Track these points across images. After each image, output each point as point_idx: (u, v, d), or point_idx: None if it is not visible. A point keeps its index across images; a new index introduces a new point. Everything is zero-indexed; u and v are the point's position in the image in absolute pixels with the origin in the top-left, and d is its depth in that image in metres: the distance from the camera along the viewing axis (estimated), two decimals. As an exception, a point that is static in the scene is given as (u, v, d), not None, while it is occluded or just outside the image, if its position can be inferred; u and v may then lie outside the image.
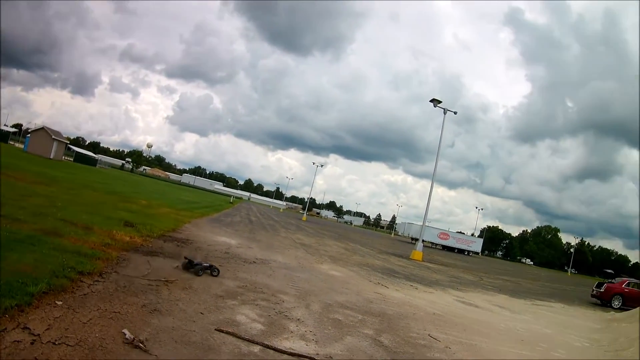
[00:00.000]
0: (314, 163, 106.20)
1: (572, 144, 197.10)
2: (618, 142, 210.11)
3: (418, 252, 29.41)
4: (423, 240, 32.43)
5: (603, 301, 22.70)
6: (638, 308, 16.43)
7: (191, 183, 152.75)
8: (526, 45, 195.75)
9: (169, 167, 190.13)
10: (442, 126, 32.46)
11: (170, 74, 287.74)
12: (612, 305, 22.02)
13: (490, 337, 8.38)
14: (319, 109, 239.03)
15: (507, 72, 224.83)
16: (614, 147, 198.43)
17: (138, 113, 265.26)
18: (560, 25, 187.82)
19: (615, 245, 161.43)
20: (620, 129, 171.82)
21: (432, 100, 31.87)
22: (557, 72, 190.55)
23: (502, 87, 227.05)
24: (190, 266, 8.17)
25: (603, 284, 23.64)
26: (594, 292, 23.72)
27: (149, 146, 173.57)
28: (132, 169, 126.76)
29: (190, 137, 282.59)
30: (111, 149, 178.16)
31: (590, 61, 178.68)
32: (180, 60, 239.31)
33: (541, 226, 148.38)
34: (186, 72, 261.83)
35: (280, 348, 5.06)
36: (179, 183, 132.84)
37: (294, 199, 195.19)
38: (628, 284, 23.52)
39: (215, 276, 8.24)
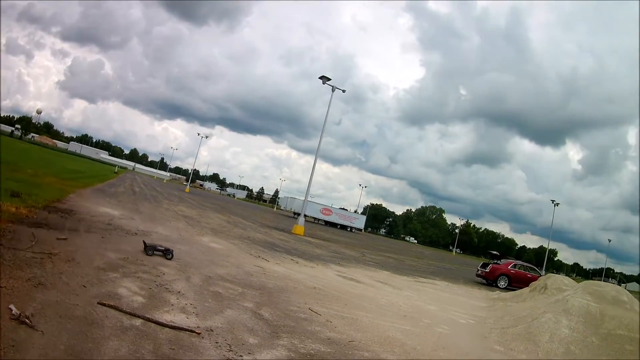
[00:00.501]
0: (199, 134, 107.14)
1: (462, 130, 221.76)
2: (509, 132, 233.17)
3: (300, 226, 32.28)
4: (306, 215, 35.08)
5: (489, 281, 25.98)
6: (525, 288, 18.58)
7: (78, 152, 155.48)
8: (425, 32, 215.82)
9: (57, 135, 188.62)
10: (330, 103, 36.01)
11: (65, 37, 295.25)
12: (498, 285, 25.10)
13: (372, 312, 9.26)
14: (209, 80, 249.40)
15: (402, 56, 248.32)
16: (504, 136, 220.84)
17: (30, 77, 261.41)
18: (463, 16, 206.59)
19: (502, 229, 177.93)
20: (512, 120, 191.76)
21: (322, 77, 35.31)
22: (453, 61, 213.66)
23: (395, 70, 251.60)
24: (148, 249, 9.52)
25: (488, 264, 26.96)
26: (479, 272, 27.02)
27: (39, 112, 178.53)
28: (20, 136, 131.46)
29: (79, 104, 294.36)
30: (1, 115, 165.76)
31: (489, 53, 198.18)
32: (76, 22, 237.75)
33: (426, 206, 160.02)
34: (81, 35, 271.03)
35: (161, 321, 5.52)
36: (66, 151, 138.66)
37: (178, 170, 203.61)
38: (514, 266, 26.93)
39: (169, 259, 9.50)
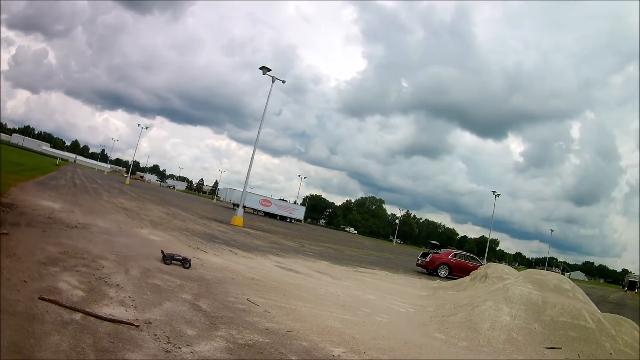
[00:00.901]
0: (139, 125, 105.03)
1: (403, 122, 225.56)
2: (450, 124, 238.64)
3: (239, 217, 32.02)
4: (245, 207, 35.22)
5: (429, 270, 26.17)
6: (466, 277, 18.60)
7: (20, 144, 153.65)
8: (368, 25, 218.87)
9: (0, 127, 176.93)
10: (269, 94, 36.45)
11: (11, 25, 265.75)
12: (439, 274, 25.23)
13: (311, 302, 9.19)
14: (150, 70, 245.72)
15: (345, 48, 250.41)
16: (445, 128, 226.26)
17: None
18: (409, 10, 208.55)
19: (443, 219, 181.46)
20: (454, 112, 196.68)
21: (262, 68, 35.76)
22: (396, 53, 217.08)
23: (337, 61, 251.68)
24: (166, 259, 9.77)
25: (428, 254, 27.13)
26: (420, 261, 27.19)
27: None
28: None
29: (22, 94, 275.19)
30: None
31: (433, 47, 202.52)
32: (23, 10, 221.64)
33: (366, 197, 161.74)
34: (27, 23, 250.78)
35: (100, 315, 5.49)
36: (9, 143, 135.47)
37: (118, 162, 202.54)
38: (455, 255, 27.32)
39: (187, 268, 9.70)
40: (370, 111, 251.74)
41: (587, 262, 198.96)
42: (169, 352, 4.87)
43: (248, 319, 6.72)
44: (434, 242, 30.78)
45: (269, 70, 35.45)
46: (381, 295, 12.61)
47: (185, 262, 9.81)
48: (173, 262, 9.71)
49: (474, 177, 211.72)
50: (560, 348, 8.96)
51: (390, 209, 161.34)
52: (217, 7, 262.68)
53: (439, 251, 27.88)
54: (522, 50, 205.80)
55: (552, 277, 12.65)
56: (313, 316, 7.90)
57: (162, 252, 10.04)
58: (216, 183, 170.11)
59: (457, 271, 25.18)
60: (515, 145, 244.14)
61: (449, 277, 24.22)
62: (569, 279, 13.34)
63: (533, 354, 8.51)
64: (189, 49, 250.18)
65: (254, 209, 77.90)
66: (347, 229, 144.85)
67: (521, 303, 10.26)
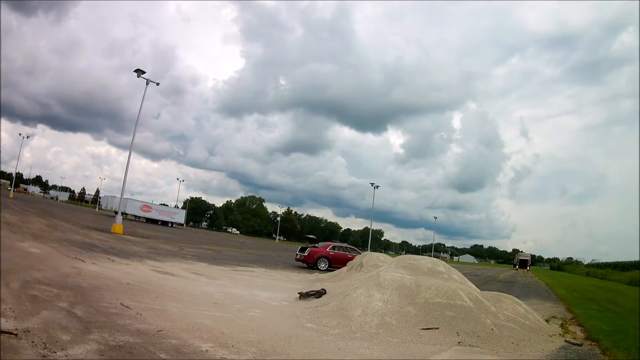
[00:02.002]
0: (20, 134, 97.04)
1: (281, 119, 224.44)
2: (329, 120, 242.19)
3: (118, 225, 31.61)
4: (126, 214, 34.57)
5: (309, 264, 26.41)
6: (343, 268, 18.82)
7: None
8: (248, 23, 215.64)
9: None
10: (143, 97, 36.27)
11: None
12: (319, 267, 25.62)
13: (183, 302, 9.22)
14: (32, 75, 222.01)
15: (223, 47, 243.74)
16: (324, 124, 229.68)
17: None
18: (289, 9, 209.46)
19: (325, 214, 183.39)
20: (333, 108, 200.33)
21: (137, 71, 35.11)
22: (275, 52, 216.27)
23: (215, 61, 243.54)
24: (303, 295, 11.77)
25: (306, 248, 27.28)
26: (299, 256, 27.37)
27: None
28: None
29: None
30: None
31: (312, 44, 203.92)
32: None
33: (246, 196, 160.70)
34: None
35: None
36: None
37: (2, 175, 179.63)
38: (333, 247, 27.73)
39: (319, 297, 11.57)
40: (248, 110, 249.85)
41: (476, 245, 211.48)
42: (45, 356, 4.96)
43: (120, 322, 6.77)
44: (311, 236, 31.01)
45: (144, 72, 34.82)
46: (256, 292, 12.70)
47: (319, 294, 11.59)
48: (308, 297, 11.41)
49: (354, 170, 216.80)
50: (438, 328, 9.21)
51: (271, 207, 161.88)
52: (99, 8, 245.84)
53: (316, 245, 28.21)
54: (403, 46, 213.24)
55: (425, 261, 13.00)
56: (184, 315, 7.98)
57: (299, 293, 11.78)
58: (97, 191, 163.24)
59: (337, 263, 25.59)
60: (395, 138, 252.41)
61: (330, 270, 24.52)
62: (443, 262, 13.80)
63: (409, 336, 8.74)
64: (70, 52, 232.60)
65: (135, 216, 75.33)
66: (229, 230, 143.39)
67: (394, 288, 10.50)
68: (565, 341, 10.19)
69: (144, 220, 74.90)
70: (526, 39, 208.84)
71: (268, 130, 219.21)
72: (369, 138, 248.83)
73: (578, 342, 10.21)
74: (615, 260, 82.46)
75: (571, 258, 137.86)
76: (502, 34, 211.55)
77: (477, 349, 8.56)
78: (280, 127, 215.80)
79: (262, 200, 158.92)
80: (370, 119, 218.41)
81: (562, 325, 12.32)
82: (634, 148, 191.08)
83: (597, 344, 10.17)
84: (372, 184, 73.47)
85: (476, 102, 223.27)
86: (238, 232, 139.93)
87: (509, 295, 12.50)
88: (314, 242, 29.19)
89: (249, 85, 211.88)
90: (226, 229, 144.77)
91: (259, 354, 6.33)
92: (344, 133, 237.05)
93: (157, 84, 36.88)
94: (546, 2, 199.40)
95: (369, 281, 11.33)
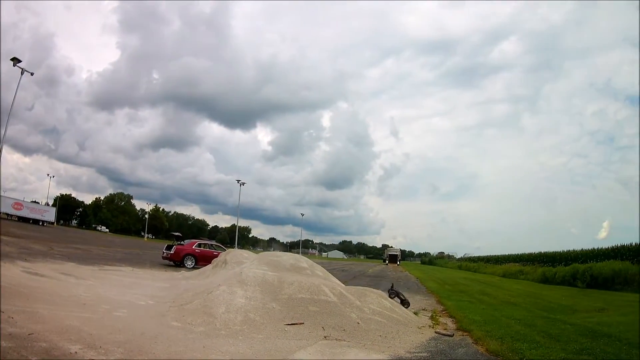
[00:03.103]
0: None
1: (151, 114, 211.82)
2: (199, 116, 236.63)
3: None
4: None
5: (176, 262, 26.24)
6: (208, 265, 19.08)
7: None
8: (127, 14, 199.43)
9: None
10: (17, 87, 34.73)
11: None
12: (186, 265, 25.36)
13: (53, 304, 9.00)
14: None
15: (100, 37, 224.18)
16: (194, 120, 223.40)
17: None
18: (170, 1, 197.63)
19: (193, 211, 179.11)
20: (203, 104, 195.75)
21: (13, 59, 34.13)
22: (150, 44, 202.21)
23: (91, 51, 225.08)
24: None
25: (173, 246, 27.02)
26: (165, 254, 27.10)
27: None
28: None
29: None
30: None
31: (188, 38, 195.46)
32: None
33: (114, 193, 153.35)
34: None
35: None
36: None
37: None
38: (199, 245, 27.55)
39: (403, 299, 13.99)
40: (119, 104, 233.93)
41: (345, 241, 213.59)
42: None
43: (-8, 326, 6.51)
44: (177, 234, 30.86)
45: (20, 61, 33.69)
46: (123, 291, 12.59)
47: (405, 303, 13.17)
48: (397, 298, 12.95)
49: (222, 167, 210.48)
50: (303, 323, 9.51)
51: (139, 204, 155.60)
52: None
53: (183, 242, 28.16)
54: (279, 44, 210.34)
55: (287, 257, 13.39)
56: (54, 317, 7.77)
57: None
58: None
59: (203, 260, 25.56)
60: (263, 135, 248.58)
61: (196, 267, 24.53)
62: (306, 258, 14.21)
63: (274, 331, 8.96)
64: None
65: (8, 214, 69.96)
66: (99, 228, 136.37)
67: (256, 284, 10.71)
68: (436, 332, 10.66)
69: (16, 219, 70.14)
70: (403, 42, 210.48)
71: (138, 125, 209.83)
72: (238, 135, 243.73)
73: (449, 332, 10.66)
74: (488, 254, 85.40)
75: (443, 253, 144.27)
76: (379, 36, 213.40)
77: (344, 342, 8.79)
78: (150, 122, 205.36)
79: (130, 197, 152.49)
80: (240, 116, 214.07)
81: (432, 317, 12.87)
82: (506, 150, 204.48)
83: (469, 334, 10.55)
84: (238, 181, 73.91)
85: (347, 101, 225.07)
86: (107, 230, 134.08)
87: (374, 289, 12.93)
88: (180, 239, 29.07)
89: (122, 78, 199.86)
90: (96, 227, 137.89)
91: (126, 354, 6.32)
92: (212, 129, 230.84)
93: (32, 74, 35.80)
94: (428, 6, 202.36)
95: (232, 278, 11.40)
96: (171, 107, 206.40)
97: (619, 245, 36.10)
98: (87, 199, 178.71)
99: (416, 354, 8.51)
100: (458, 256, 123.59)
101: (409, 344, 9.23)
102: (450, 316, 13.75)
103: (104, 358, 6.05)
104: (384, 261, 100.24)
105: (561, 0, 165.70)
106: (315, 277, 12.15)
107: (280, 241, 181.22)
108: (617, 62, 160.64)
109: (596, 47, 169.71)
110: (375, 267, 68.50)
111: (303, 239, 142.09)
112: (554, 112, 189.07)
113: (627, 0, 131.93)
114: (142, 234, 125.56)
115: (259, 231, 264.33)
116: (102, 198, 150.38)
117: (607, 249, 37.61)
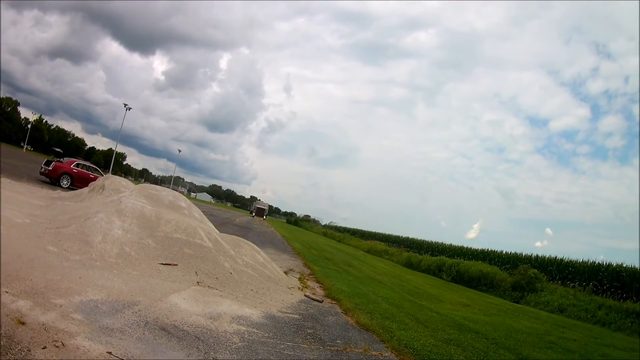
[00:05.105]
0: None
1: (57, 21, 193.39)
2: (103, 32, 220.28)
3: None
4: None
5: (52, 180, 24.66)
6: (85, 188, 17.86)
7: None
8: None
9: None
10: None
11: None
12: (61, 184, 23.72)
13: None
14: None
15: None
16: (97, 35, 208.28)
17: None
18: None
19: (74, 128, 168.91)
20: (110, 20, 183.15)
21: None
22: None
23: None
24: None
25: (52, 162, 25.33)
26: (43, 169, 25.34)
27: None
28: None
29: None
30: None
31: None
32: None
33: (2, 97, 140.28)
34: None
35: None
36: None
37: None
38: (77, 165, 26.05)
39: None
40: (30, 5, 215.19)
41: (214, 185, 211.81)
42: None
43: None
44: (58, 149, 28.92)
45: None
46: (-2, 205, 11.46)
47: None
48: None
49: (112, 88, 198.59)
50: (177, 265, 9.13)
51: (24, 112, 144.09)
52: None
53: (62, 160, 26.44)
54: None
55: (167, 193, 12.63)
56: None
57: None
58: None
59: (79, 182, 24.44)
60: (159, 63, 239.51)
61: (72, 188, 23.22)
62: (185, 197, 13.60)
63: (148, 269, 8.53)
64: None
65: None
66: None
67: (134, 217, 10.03)
68: (305, 295, 10.73)
69: None
70: (321, 5, 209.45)
71: (42, 30, 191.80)
72: (135, 58, 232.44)
73: (318, 298, 10.79)
74: (354, 227, 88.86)
75: (309, 216, 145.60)
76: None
77: (217, 291, 8.63)
78: (55, 28, 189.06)
79: (17, 104, 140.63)
80: (143, 40, 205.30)
81: (300, 280, 12.94)
82: (392, 132, 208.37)
83: (337, 304, 10.69)
84: (125, 105, 70.35)
85: (250, 48, 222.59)
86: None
87: (248, 241, 12.69)
88: (59, 156, 27.25)
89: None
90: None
91: (4, 280, 5.70)
92: (112, 48, 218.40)
93: None
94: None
95: (110, 206, 10.64)
96: (79, 17, 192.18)
97: (488, 249, 38.57)
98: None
99: (288, 315, 8.54)
100: (323, 222, 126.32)
101: (280, 303, 9.24)
102: (318, 282, 13.88)
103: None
104: (251, 213, 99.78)
105: (493, 13, 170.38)
106: (192, 219, 11.60)
107: (153, 174, 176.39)
108: (527, 83, 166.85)
109: (512, 63, 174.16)
110: (242, 217, 67.49)
111: (175, 175, 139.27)
112: (450, 109, 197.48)
113: (554, 27, 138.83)
114: (22, 144, 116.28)
115: (133, 160, 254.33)
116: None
117: (476, 250, 40.03)
